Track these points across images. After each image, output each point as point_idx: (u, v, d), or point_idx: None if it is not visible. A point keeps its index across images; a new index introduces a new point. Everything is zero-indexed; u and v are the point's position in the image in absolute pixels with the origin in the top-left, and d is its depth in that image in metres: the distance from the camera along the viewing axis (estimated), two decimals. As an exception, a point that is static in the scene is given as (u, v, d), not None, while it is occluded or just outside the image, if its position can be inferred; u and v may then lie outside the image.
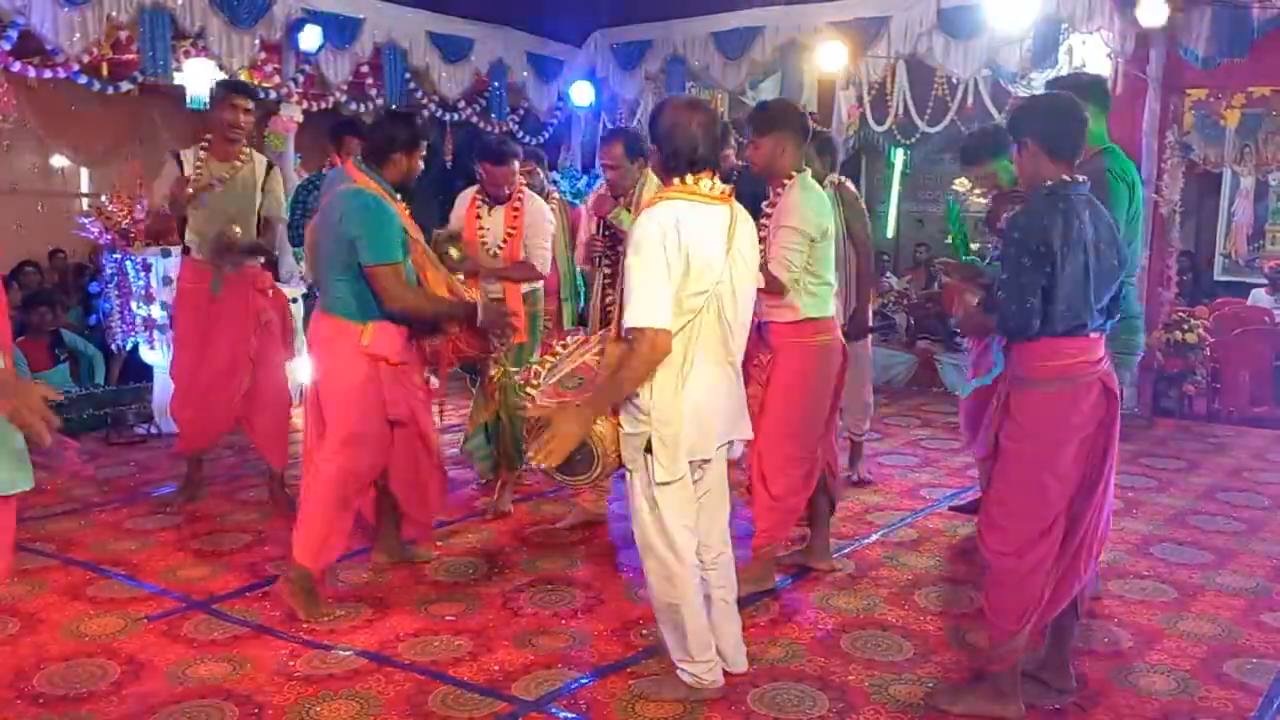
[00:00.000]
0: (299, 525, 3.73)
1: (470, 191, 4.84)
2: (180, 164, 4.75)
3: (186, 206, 4.69)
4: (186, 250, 4.86)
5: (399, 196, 3.76)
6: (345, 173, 3.78)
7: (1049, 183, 2.89)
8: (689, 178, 2.88)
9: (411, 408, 3.82)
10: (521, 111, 9.08)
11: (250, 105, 4.77)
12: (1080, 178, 2.92)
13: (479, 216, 4.75)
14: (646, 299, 2.76)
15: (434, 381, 4.15)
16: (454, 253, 4.21)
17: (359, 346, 3.66)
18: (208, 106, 7.41)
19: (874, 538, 4.66)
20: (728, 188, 2.96)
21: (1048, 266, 2.80)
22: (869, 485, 5.46)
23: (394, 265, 3.64)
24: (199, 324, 4.80)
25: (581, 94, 9.10)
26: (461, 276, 4.13)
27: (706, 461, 3.04)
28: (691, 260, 2.80)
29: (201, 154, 4.74)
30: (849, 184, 5.12)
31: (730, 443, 3.11)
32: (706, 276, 2.84)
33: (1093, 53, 7.01)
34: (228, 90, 4.82)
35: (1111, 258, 2.89)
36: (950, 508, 5.17)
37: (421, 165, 3.86)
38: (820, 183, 4.70)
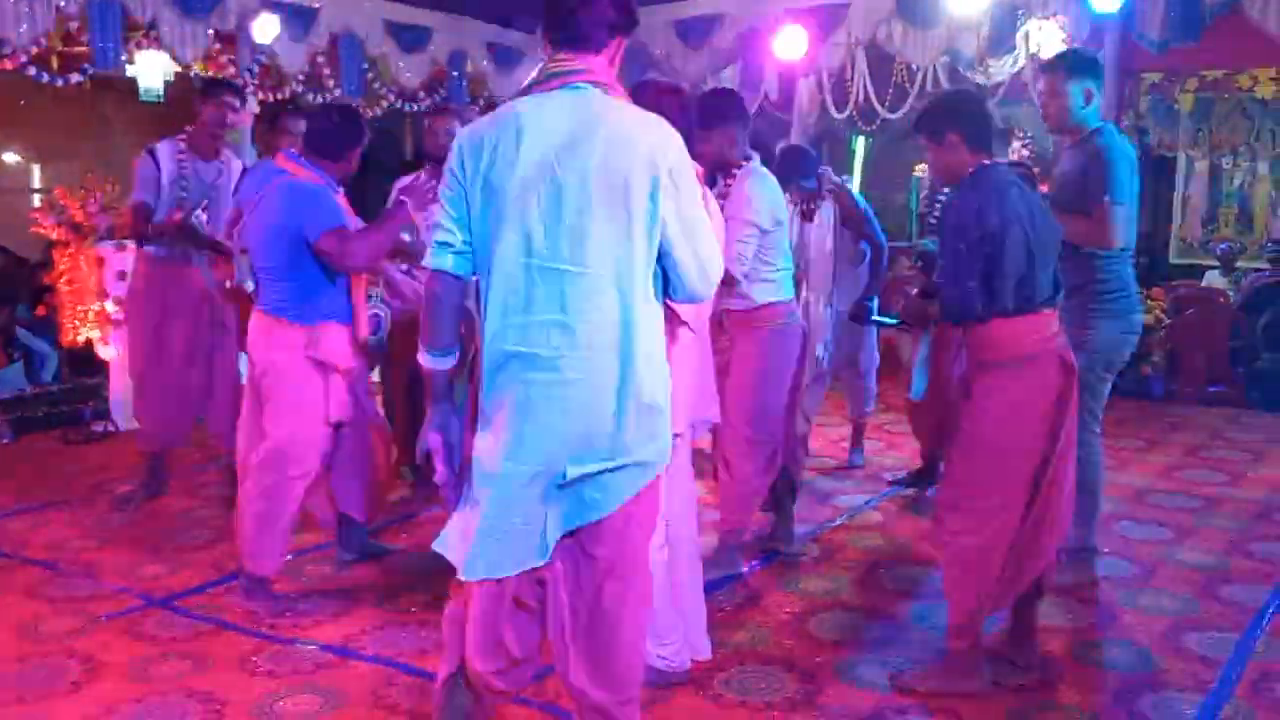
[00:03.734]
0: (241, 534, 3.65)
1: (422, 173, 4.74)
2: (156, 163, 4.62)
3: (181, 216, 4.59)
4: (141, 244, 4.77)
5: (339, 190, 3.66)
6: (277, 165, 3.65)
7: (970, 169, 2.94)
8: None
9: (358, 410, 3.72)
10: (482, 101, 9.02)
11: (236, 104, 4.70)
12: (999, 159, 2.99)
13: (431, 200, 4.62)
14: None
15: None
16: (405, 236, 4.14)
17: (303, 351, 3.55)
18: (161, 99, 7.36)
19: (839, 521, 4.68)
20: (700, 169, 2.97)
21: (987, 248, 2.84)
22: (858, 469, 5.54)
23: (341, 228, 3.53)
24: (153, 319, 4.73)
25: (541, 83, 9.05)
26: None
27: (676, 435, 3.04)
28: None
29: (182, 152, 4.63)
30: (847, 190, 5.10)
31: (694, 425, 3.11)
32: None
33: (1048, 38, 7.05)
34: (220, 89, 4.73)
35: (1046, 229, 2.94)
36: (890, 481, 5.25)
37: (356, 165, 3.76)
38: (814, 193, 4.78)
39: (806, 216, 5.02)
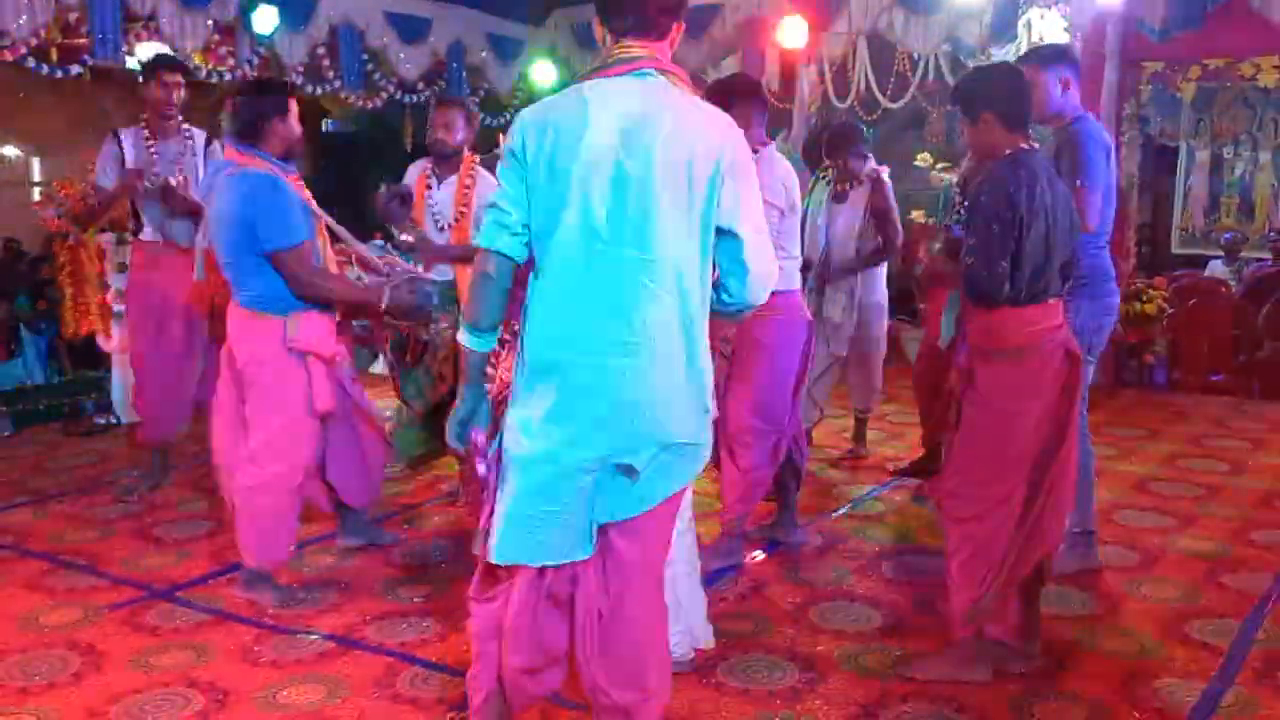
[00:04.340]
0: (240, 532, 3.62)
1: (423, 163, 4.72)
2: (120, 144, 4.65)
3: (145, 195, 4.61)
4: (136, 232, 4.77)
5: (291, 168, 3.56)
6: (225, 158, 3.56)
7: (1008, 151, 2.91)
8: None
9: (343, 398, 3.68)
10: (482, 92, 9.00)
11: (180, 80, 4.67)
12: (1036, 145, 2.96)
13: (429, 188, 4.60)
14: None
15: (380, 366, 4.04)
16: (403, 214, 4.09)
17: (283, 341, 3.48)
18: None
19: (842, 511, 4.68)
20: None
21: (1015, 232, 2.83)
22: (863, 459, 5.53)
23: (299, 248, 3.42)
24: (152, 309, 4.72)
25: (542, 74, 9.03)
26: (414, 263, 4.03)
27: None
28: None
29: (145, 135, 4.65)
30: (885, 181, 5.15)
31: None
32: None
33: (1051, 27, 7.03)
34: (155, 67, 4.70)
35: (1066, 222, 2.94)
36: (892, 470, 5.25)
37: (299, 128, 3.60)
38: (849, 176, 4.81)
39: (839, 198, 5.02)
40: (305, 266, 3.44)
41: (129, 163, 4.64)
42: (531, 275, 2.22)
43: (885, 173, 5.18)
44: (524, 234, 2.19)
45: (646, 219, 2.11)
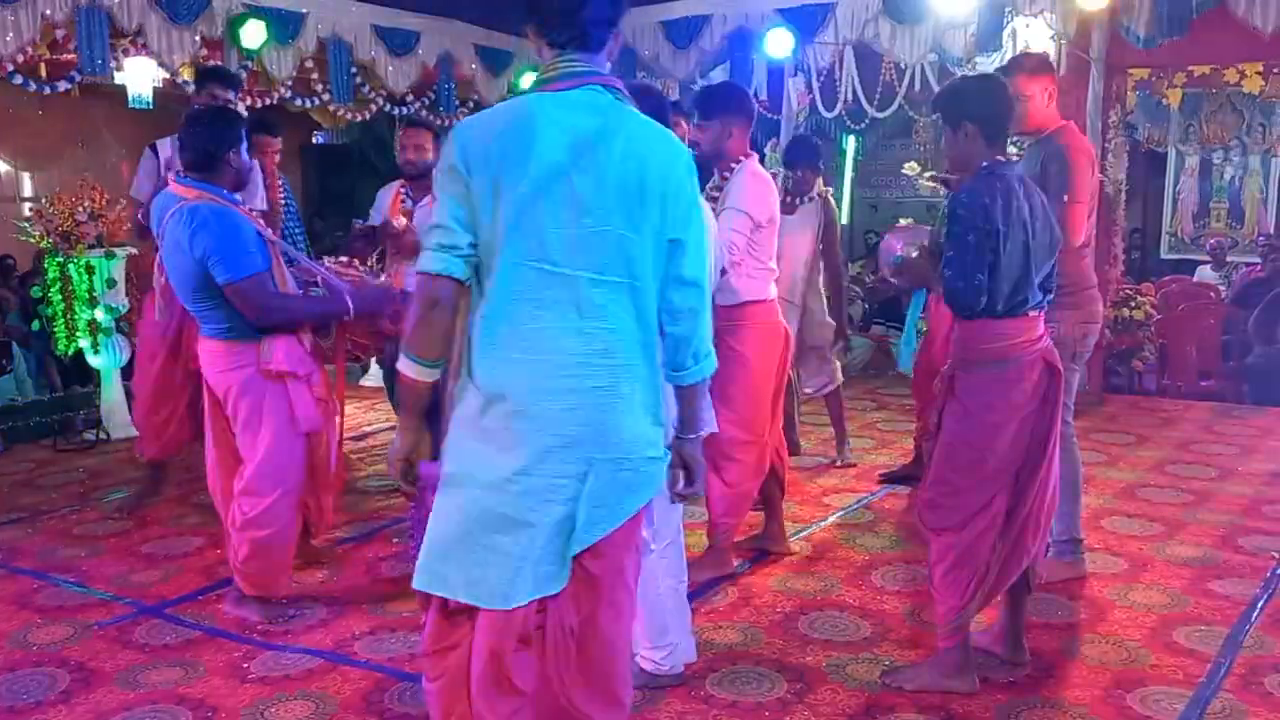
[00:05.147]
0: (242, 561, 3.57)
1: (394, 185, 4.70)
2: (157, 156, 4.59)
3: None
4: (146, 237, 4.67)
5: (239, 201, 3.51)
6: (171, 193, 3.49)
7: (985, 164, 2.93)
8: None
9: (322, 419, 3.65)
10: (471, 104, 9.02)
11: (230, 95, 4.60)
12: (1013, 158, 2.97)
13: (404, 206, 4.57)
14: None
15: (369, 379, 4.00)
16: (369, 250, 4.11)
17: (258, 366, 3.44)
18: (149, 105, 7.36)
19: (831, 520, 4.69)
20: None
21: (993, 244, 2.83)
22: (850, 466, 5.52)
23: (255, 277, 3.33)
24: (165, 325, 4.53)
25: (529, 84, 9.05)
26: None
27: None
28: None
29: None
30: (832, 202, 5.30)
31: None
32: None
33: (1036, 35, 7.06)
34: (207, 81, 4.63)
35: (1045, 234, 2.94)
36: (881, 476, 5.27)
37: (247, 157, 3.56)
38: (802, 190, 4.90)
39: (787, 209, 5.06)
40: (261, 295, 3.36)
41: (165, 174, 4.57)
42: (476, 296, 2.12)
43: (831, 194, 5.28)
44: (472, 254, 2.09)
45: (601, 238, 2.04)
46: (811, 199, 5.16)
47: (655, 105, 3.81)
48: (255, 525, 3.53)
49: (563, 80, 2.11)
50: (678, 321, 2.18)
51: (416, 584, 2.15)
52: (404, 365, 2.15)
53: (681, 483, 2.32)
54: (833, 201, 5.28)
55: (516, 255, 2.04)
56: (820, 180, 5.27)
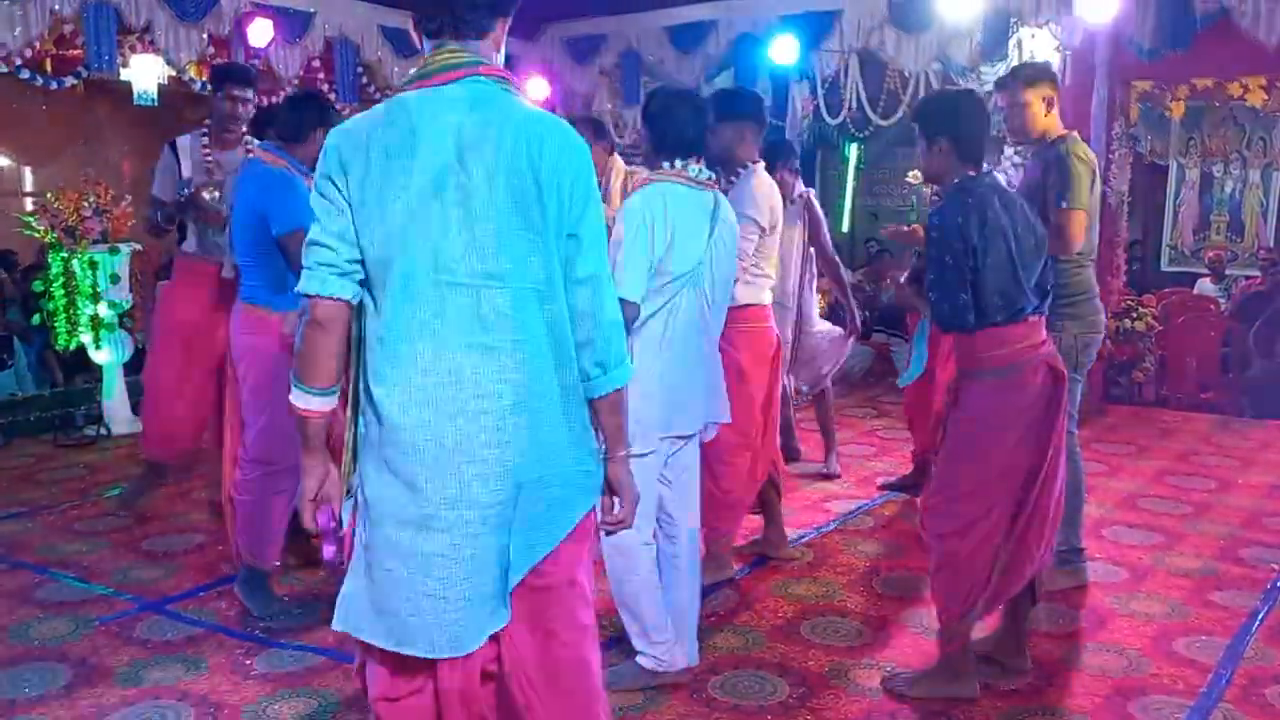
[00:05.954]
0: (238, 527, 3.63)
1: None
2: (175, 154, 4.52)
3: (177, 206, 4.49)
4: (180, 241, 4.59)
5: (309, 173, 3.52)
6: (252, 158, 3.76)
7: (955, 179, 2.94)
8: (678, 161, 3.00)
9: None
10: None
11: (249, 95, 4.51)
12: (985, 171, 2.98)
13: None
14: (631, 274, 2.85)
15: None
16: None
17: (279, 336, 3.53)
18: (154, 102, 7.35)
19: (832, 526, 4.70)
20: (712, 175, 3.09)
21: (971, 261, 2.84)
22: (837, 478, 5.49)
23: (301, 230, 3.44)
24: (179, 323, 4.51)
25: (535, 89, 9.06)
26: None
27: (685, 438, 3.08)
28: (675, 240, 2.90)
29: (205, 145, 4.51)
30: (814, 204, 5.24)
31: (706, 426, 3.17)
32: (689, 257, 2.95)
33: (1041, 45, 7.09)
34: (225, 80, 4.56)
35: (1029, 239, 2.93)
36: (881, 485, 5.27)
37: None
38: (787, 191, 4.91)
39: None
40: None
41: (185, 172, 4.54)
42: (372, 315, 1.93)
43: (814, 194, 5.24)
44: (356, 271, 1.90)
45: (498, 242, 1.85)
46: (793, 201, 5.12)
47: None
48: (242, 490, 3.61)
49: (441, 73, 1.91)
50: (578, 325, 1.95)
51: (351, 631, 1.98)
52: (295, 397, 1.99)
53: (617, 506, 2.10)
54: (815, 201, 5.20)
55: (409, 267, 1.85)
56: (800, 181, 5.18)
